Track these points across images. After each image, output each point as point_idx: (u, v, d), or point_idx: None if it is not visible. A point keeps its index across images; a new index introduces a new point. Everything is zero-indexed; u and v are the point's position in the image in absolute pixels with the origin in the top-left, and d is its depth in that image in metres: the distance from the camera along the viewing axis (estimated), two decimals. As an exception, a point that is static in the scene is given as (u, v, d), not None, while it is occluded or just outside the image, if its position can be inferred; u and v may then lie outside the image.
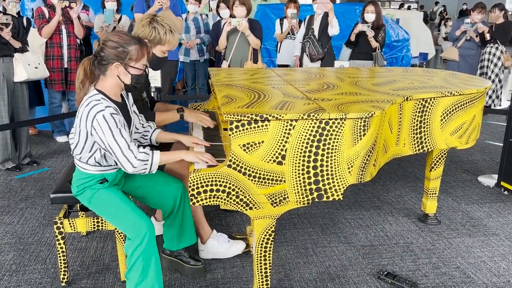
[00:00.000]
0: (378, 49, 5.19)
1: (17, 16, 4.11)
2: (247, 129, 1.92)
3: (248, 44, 4.50)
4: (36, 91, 4.87)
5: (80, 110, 2.04)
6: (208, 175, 1.95)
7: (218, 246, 2.64)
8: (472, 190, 3.82)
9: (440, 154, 3.05)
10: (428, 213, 3.21)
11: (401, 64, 9.47)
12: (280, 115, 1.91)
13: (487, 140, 5.25)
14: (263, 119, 1.91)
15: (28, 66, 3.96)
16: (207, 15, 6.16)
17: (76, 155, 2.13)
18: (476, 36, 6.00)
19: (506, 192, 3.76)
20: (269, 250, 2.15)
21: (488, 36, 5.89)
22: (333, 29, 4.84)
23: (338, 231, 3.09)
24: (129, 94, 2.26)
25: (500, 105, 6.25)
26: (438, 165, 3.07)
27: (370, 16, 5.11)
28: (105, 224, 2.39)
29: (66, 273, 2.44)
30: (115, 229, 2.38)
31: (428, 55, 11.49)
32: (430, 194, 3.15)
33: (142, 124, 2.35)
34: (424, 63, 11.74)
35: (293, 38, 5.54)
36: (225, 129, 2.04)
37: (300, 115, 1.92)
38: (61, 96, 4.89)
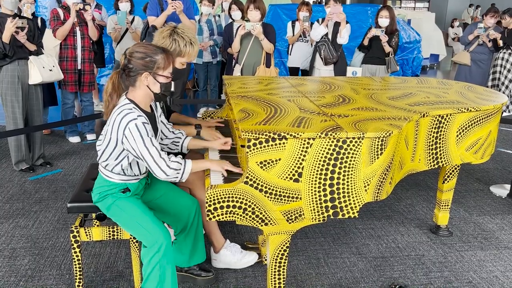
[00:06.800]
0: (391, 54, 5.17)
1: (31, 17, 4.13)
2: (264, 146, 1.93)
3: (262, 48, 4.51)
4: (50, 92, 4.91)
5: (111, 118, 2.07)
6: (225, 192, 1.96)
7: (231, 256, 2.66)
8: (484, 201, 3.81)
9: (454, 166, 3.04)
10: (440, 225, 3.21)
11: (412, 66, 9.42)
12: (297, 134, 1.92)
13: (499, 148, 5.22)
14: (280, 137, 1.92)
15: (43, 69, 3.99)
16: (219, 15, 6.16)
17: (102, 162, 2.17)
18: (489, 41, 5.96)
19: (518, 204, 3.76)
20: (283, 265, 2.16)
21: (501, 43, 5.85)
22: (342, 39, 4.89)
23: (349, 241, 3.10)
24: (157, 104, 2.28)
25: None
26: (452, 177, 3.07)
27: (384, 21, 5.10)
28: (120, 233, 2.42)
29: (81, 280, 2.47)
30: (130, 238, 2.40)
31: (439, 56, 11.42)
32: (442, 206, 3.15)
33: (173, 131, 2.40)
34: (435, 64, 11.67)
35: (304, 41, 5.53)
36: (242, 146, 2.05)
37: (317, 134, 1.92)
38: (74, 96, 4.93)
